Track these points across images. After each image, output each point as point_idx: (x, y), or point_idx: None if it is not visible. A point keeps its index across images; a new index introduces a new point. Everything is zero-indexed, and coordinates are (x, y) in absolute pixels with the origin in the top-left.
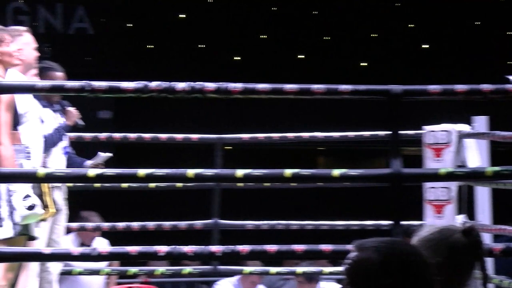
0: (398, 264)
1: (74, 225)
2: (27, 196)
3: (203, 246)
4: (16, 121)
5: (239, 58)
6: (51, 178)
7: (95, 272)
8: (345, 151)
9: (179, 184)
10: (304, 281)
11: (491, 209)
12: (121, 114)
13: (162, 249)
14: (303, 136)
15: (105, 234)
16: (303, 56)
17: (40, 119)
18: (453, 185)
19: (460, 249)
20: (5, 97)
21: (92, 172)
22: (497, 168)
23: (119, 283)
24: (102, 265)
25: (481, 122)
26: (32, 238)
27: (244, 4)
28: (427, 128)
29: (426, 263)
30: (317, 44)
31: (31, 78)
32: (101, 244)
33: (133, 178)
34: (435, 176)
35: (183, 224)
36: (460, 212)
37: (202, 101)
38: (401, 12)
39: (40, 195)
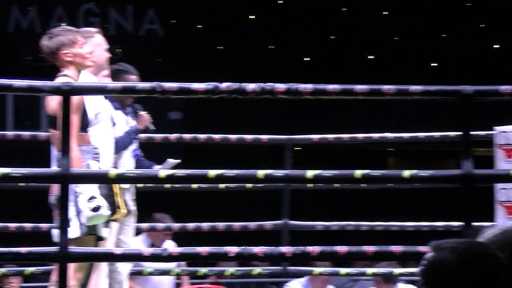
0: (475, 265)
1: (144, 225)
2: (93, 197)
3: (273, 247)
4: (85, 122)
5: (308, 59)
6: (122, 179)
7: (165, 273)
8: (415, 152)
9: (249, 185)
10: (382, 282)
11: None
12: (191, 115)
13: (232, 249)
14: (373, 137)
15: (175, 234)
16: (372, 57)
17: (112, 121)
18: None
19: None
20: (74, 98)
21: (163, 173)
22: None
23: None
24: (172, 265)
25: None
26: (100, 238)
27: (313, 5)
28: (498, 128)
29: (502, 264)
30: (387, 45)
31: (103, 80)
32: (170, 246)
33: (204, 179)
34: (507, 177)
35: (252, 224)
36: None
37: (272, 102)
38: (471, 12)
39: (112, 196)
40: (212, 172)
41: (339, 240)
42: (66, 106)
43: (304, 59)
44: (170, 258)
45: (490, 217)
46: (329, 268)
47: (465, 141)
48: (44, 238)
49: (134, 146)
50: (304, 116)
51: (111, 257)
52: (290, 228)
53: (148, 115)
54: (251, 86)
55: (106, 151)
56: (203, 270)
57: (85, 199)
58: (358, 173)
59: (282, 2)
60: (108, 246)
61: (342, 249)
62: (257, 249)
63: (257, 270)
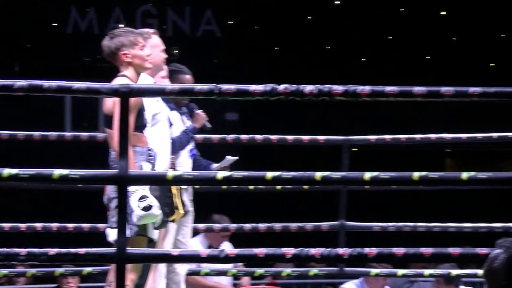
0: None
1: (202, 226)
2: (144, 196)
3: (330, 248)
4: (142, 123)
5: (365, 59)
6: (180, 180)
7: (222, 273)
8: (473, 153)
9: (306, 186)
10: (443, 283)
11: None
12: (248, 116)
13: (290, 251)
14: (431, 138)
15: (233, 235)
16: (430, 57)
17: (169, 122)
18: None
19: None
20: (132, 99)
21: (220, 175)
22: None
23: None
24: (229, 266)
25: None
26: (151, 240)
27: (371, 5)
28: None
29: None
30: (444, 45)
31: (160, 81)
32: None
33: (261, 181)
34: None
35: (309, 225)
36: None
37: (329, 103)
38: None
39: (169, 197)
40: (270, 174)
41: (396, 241)
42: (124, 107)
43: (362, 59)
44: (227, 259)
45: None
46: (386, 269)
47: None
48: (101, 238)
49: (191, 145)
50: (361, 117)
51: (168, 258)
52: (346, 229)
53: (204, 114)
54: (308, 88)
55: (162, 152)
56: (259, 270)
57: (136, 198)
58: (416, 175)
59: (339, 2)
60: (167, 247)
61: (399, 250)
62: (314, 251)
63: (313, 271)
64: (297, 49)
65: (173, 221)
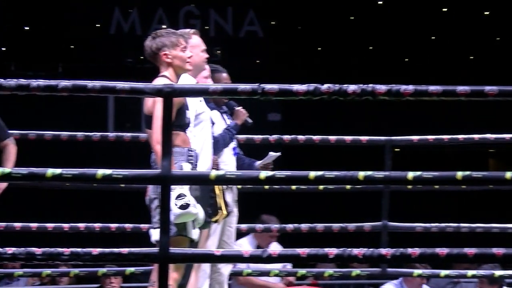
0: None
1: (245, 227)
2: (182, 195)
3: (372, 249)
4: (184, 122)
5: (408, 59)
6: (222, 180)
7: (265, 274)
8: None
9: (348, 186)
10: (487, 284)
11: None
12: (290, 116)
13: (332, 251)
14: (474, 138)
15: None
16: (473, 57)
17: (211, 121)
18: None
19: None
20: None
21: (263, 175)
22: None
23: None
24: (274, 266)
25: None
26: (191, 240)
27: (414, 5)
28: None
29: None
30: (488, 45)
31: (202, 81)
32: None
33: (304, 180)
34: None
35: (351, 226)
36: None
37: (372, 103)
38: None
39: (213, 197)
40: (312, 174)
41: (439, 242)
42: (167, 108)
43: (404, 60)
44: (269, 259)
45: None
46: (429, 270)
47: None
48: (143, 238)
49: (234, 144)
50: (404, 117)
51: (211, 258)
52: (389, 229)
53: (244, 110)
54: (351, 88)
55: (204, 152)
56: (301, 271)
57: (174, 197)
58: (460, 174)
59: (381, 3)
60: (211, 247)
61: (442, 251)
62: (357, 251)
63: (355, 271)
64: (339, 49)
65: (216, 221)
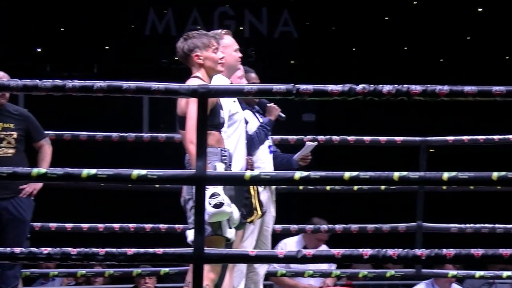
0: None
1: (277, 227)
2: (215, 194)
3: (407, 250)
4: (218, 123)
5: (443, 60)
6: (257, 180)
7: (299, 274)
8: None
9: (382, 187)
10: None
11: None
12: (325, 117)
13: (367, 251)
14: (510, 138)
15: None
16: (509, 57)
17: (245, 120)
18: None
19: None
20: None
21: (297, 175)
22: None
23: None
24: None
25: None
26: (227, 240)
27: (449, 5)
28: None
29: None
30: None
31: (236, 81)
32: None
33: (339, 181)
34: None
35: (386, 226)
36: None
37: (406, 103)
38: None
39: (248, 198)
40: (347, 174)
41: (473, 242)
42: (202, 108)
43: (440, 60)
44: (304, 260)
45: None
46: (464, 270)
47: None
48: (178, 238)
49: (269, 142)
50: (437, 117)
51: (246, 259)
52: (424, 230)
53: (275, 106)
54: (386, 88)
55: (238, 152)
56: (336, 271)
57: (207, 196)
58: (495, 175)
59: (416, 2)
60: (248, 248)
61: (477, 252)
62: (392, 251)
63: (390, 272)
64: (374, 49)
65: (251, 222)
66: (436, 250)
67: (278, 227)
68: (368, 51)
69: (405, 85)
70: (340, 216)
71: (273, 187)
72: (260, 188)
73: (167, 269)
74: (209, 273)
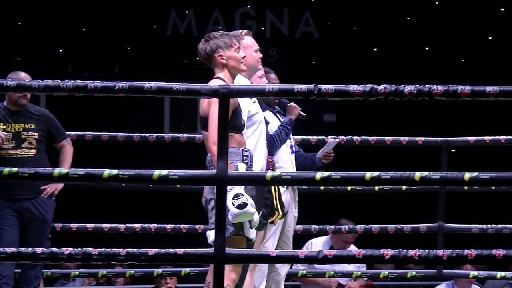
0: None
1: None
2: (239, 195)
3: (428, 250)
4: (239, 124)
5: (464, 60)
6: (278, 181)
7: (320, 275)
8: None
9: (403, 187)
10: None
11: None
12: (346, 117)
13: (388, 252)
14: None
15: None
16: None
17: (265, 121)
18: None
19: None
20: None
21: (318, 175)
22: None
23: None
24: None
25: None
26: (249, 240)
27: (471, 5)
28: None
29: None
30: None
31: (257, 81)
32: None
33: (360, 181)
34: None
35: (407, 227)
36: None
37: (427, 103)
38: None
39: (269, 198)
40: (368, 174)
41: (495, 243)
42: (223, 108)
43: (461, 60)
44: (325, 260)
45: None
46: (485, 271)
47: None
48: (199, 238)
49: (291, 141)
50: (459, 117)
51: (266, 259)
52: (445, 231)
53: (296, 104)
54: (408, 88)
55: (258, 153)
56: (356, 272)
57: (231, 196)
58: None
59: (438, 2)
60: (269, 247)
61: (499, 252)
62: (413, 252)
63: (411, 273)
64: (396, 50)
65: (272, 223)
66: (458, 250)
67: (299, 227)
68: (389, 51)
69: (427, 85)
70: (361, 216)
71: (295, 187)
72: (282, 189)
73: (188, 270)
74: (230, 273)
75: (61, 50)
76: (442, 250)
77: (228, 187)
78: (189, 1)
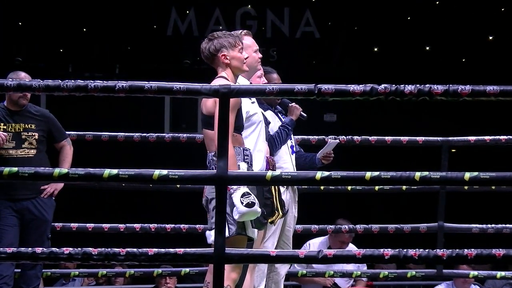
0: None
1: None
2: (247, 193)
3: (428, 250)
4: (239, 124)
5: (465, 59)
6: (278, 180)
7: (320, 274)
8: None
9: (404, 187)
10: None
11: None
12: (346, 117)
13: (388, 252)
14: None
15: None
16: None
17: (266, 121)
18: None
19: None
20: (232, 99)
21: (318, 175)
22: None
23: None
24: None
25: None
26: (251, 239)
27: (471, 5)
28: None
29: None
30: None
31: (257, 81)
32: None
33: (360, 181)
34: None
35: (407, 227)
36: None
37: (428, 103)
38: None
39: (269, 198)
40: (369, 174)
41: (495, 243)
42: (224, 108)
43: (462, 60)
44: (324, 260)
45: None
46: (485, 271)
47: None
48: (199, 238)
49: (291, 142)
50: (460, 117)
51: (267, 259)
52: (445, 230)
53: (297, 105)
54: (408, 88)
55: (256, 153)
56: (356, 272)
57: (239, 195)
58: None
59: (438, 2)
60: (269, 247)
61: (499, 252)
62: (413, 252)
63: (411, 273)
64: (396, 50)
65: (272, 222)
66: (458, 250)
67: (299, 227)
68: (389, 51)
69: (427, 85)
70: (361, 216)
71: (295, 187)
72: (282, 188)
73: (187, 269)
74: (231, 273)
75: (61, 50)
76: (442, 250)
77: (235, 186)
78: (190, 1)
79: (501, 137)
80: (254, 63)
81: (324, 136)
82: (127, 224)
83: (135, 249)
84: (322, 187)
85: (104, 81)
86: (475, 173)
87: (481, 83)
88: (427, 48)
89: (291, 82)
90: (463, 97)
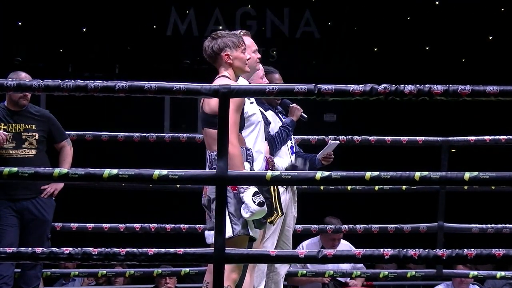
0: None
1: (297, 227)
2: (257, 193)
3: (428, 250)
4: (242, 123)
5: (465, 60)
6: (278, 180)
7: (320, 274)
8: None
9: (403, 187)
10: None
11: None
12: (346, 117)
13: (388, 251)
14: None
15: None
16: None
17: (266, 121)
18: None
19: None
20: (236, 99)
21: (318, 175)
22: None
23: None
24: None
25: None
26: (252, 239)
27: (471, 5)
28: None
29: None
30: None
31: (257, 81)
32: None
33: (360, 181)
34: None
35: (407, 227)
36: None
37: (428, 103)
38: None
39: (268, 198)
40: (368, 174)
41: (495, 243)
42: (224, 108)
43: (462, 60)
44: (324, 260)
45: None
46: (485, 271)
47: None
48: (199, 238)
49: (291, 142)
50: (460, 117)
51: (266, 259)
52: (445, 230)
53: (298, 106)
54: (408, 88)
55: (258, 152)
56: (355, 272)
57: (251, 194)
58: None
59: (438, 2)
60: (268, 247)
61: (499, 252)
62: (412, 252)
63: (411, 272)
64: (396, 49)
65: (271, 222)
66: (457, 250)
67: (299, 227)
68: (389, 51)
69: (427, 85)
70: (361, 216)
71: (295, 187)
72: (281, 189)
73: (187, 269)
74: (231, 274)
75: (61, 50)
76: (442, 250)
77: (245, 185)
78: (190, 1)
79: (501, 137)
80: (254, 64)
81: (324, 136)
82: (127, 224)
83: (135, 249)
84: (322, 187)
85: (104, 81)
86: (475, 173)
87: (481, 83)
88: (427, 48)
89: (291, 82)
90: (463, 97)
